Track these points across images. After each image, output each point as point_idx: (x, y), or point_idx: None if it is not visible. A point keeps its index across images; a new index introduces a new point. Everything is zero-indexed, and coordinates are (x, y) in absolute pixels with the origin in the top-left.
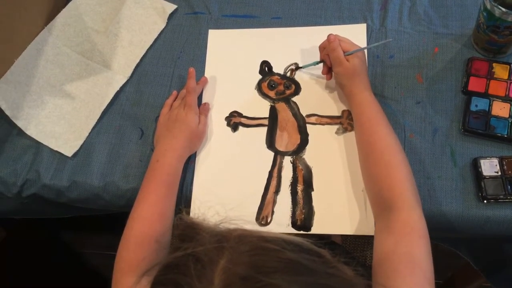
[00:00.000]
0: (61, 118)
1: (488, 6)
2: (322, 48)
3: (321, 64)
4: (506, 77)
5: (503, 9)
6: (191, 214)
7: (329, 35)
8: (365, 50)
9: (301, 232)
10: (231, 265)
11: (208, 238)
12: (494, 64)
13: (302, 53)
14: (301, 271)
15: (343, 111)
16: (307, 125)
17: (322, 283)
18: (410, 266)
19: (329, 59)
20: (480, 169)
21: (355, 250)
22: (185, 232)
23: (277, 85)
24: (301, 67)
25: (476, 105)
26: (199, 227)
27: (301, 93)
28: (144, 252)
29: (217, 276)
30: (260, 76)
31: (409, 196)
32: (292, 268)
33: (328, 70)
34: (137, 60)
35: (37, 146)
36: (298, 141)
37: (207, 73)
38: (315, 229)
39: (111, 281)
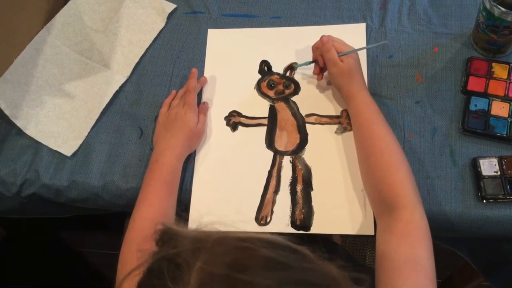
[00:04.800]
0: (60, 117)
1: (488, 6)
2: (315, 48)
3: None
4: (505, 76)
5: (503, 9)
6: (190, 214)
7: (322, 36)
8: (365, 53)
9: (301, 232)
10: (207, 266)
11: (185, 242)
12: (493, 64)
13: (301, 52)
14: (275, 267)
15: (343, 111)
16: (307, 124)
17: (299, 278)
18: (412, 266)
19: (322, 60)
20: (479, 169)
21: (354, 250)
22: (163, 238)
23: (277, 85)
24: (294, 66)
25: (476, 105)
26: (176, 233)
27: (300, 92)
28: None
29: (193, 277)
30: (259, 76)
31: (410, 196)
32: (267, 264)
33: (320, 70)
34: (136, 60)
35: (36, 145)
36: (298, 141)
37: (207, 73)
38: (315, 229)
39: (113, 280)
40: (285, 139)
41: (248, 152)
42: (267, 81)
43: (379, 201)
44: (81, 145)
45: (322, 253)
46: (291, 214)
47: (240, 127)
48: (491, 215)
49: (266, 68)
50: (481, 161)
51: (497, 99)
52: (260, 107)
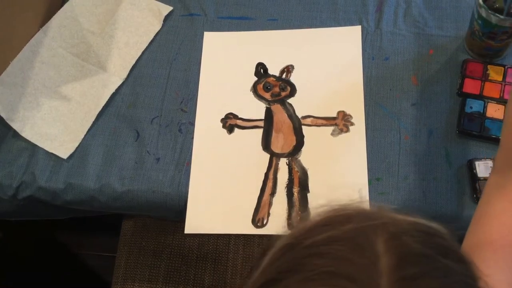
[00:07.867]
0: (56, 120)
1: (484, 15)
2: None
3: (314, 64)
4: (500, 79)
5: (501, 16)
6: (187, 216)
7: None
8: (360, 55)
9: None
10: (399, 239)
11: (359, 217)
12: (489, 66)
13: (297, 55)
14: (464, 260)
15: (339, 112)
16: (303, 126)
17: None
18: None
19: None
20: (475, 171)
21: None
22: (330, 215)
23: (273, 87)
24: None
25: (471, 107)
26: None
27: (296, 94)
28: None
29: (383, 250)
30: (255, 78)
31: None
32: (458, 256)
33: None
34: (133, 62)
35: (33, 148)
36: (294, 143)
37: (202, 75)
38: None
39: (110, 282)
40: (282, 141)
41: (245, 155)
42: (263, 83)
43: None
44: (77, 148)
45: None
46: (288, 216)
47: (236, 130)
48: None
49: (262, 70)
50: (477, 163)
51: (492, 101)
52: (256, 109)
